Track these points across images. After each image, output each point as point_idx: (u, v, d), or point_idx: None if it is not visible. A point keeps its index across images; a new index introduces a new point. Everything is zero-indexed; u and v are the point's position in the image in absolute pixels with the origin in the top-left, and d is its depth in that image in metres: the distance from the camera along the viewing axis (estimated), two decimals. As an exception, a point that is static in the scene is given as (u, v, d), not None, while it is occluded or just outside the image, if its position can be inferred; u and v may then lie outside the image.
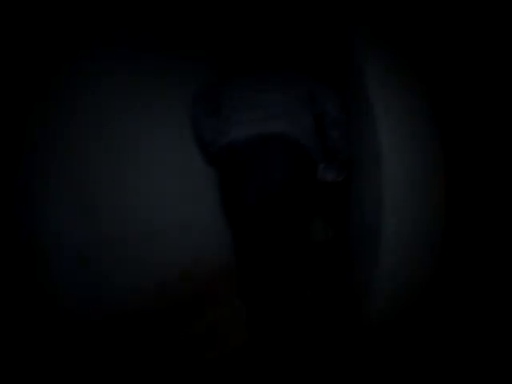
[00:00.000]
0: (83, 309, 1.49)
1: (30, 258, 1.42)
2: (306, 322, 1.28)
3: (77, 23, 1.49)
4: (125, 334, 1.44)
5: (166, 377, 1.27)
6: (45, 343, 1.34)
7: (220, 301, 1.56)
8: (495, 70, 1.12)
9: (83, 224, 1.55)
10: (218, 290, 1.64)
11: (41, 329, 1.37)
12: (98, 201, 1.60)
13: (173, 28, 1.67)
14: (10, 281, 1.35)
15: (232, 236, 1.32)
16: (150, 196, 1.70)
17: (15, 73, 1.39)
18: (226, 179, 1.22)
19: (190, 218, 1.81)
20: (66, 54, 1.48)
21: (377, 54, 1.17)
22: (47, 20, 1.42)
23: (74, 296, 1.49)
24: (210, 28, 1.73)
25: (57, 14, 1.44)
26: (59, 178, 1.51)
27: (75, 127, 1.54)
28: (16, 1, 1.32)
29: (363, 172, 1.31)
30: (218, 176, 1.28)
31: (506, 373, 0.94)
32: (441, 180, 1.17)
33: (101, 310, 1.49)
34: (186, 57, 1.71)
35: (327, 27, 1.48)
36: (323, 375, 1.16)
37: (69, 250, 1.52)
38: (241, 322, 1.33)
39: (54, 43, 1.45)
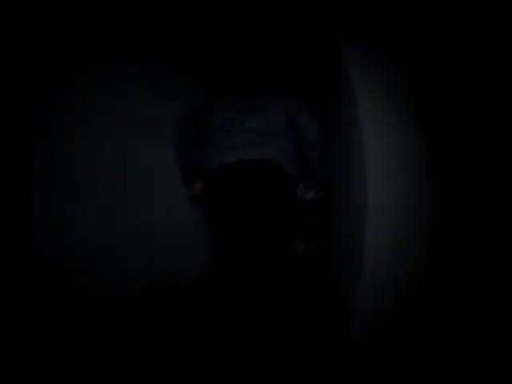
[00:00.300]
0: (84, 307, 1.51)
1: (30, 258, 1.42)
2: (287, 331, 1.36)
3: (78, 28, 1.50)
4: (124, 333, 1.47)
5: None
6: (44, 342, 1.35)
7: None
8: (481, 69, 1.15)
9: (83, 226, 1.57)
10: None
11: (41, 327, 1.38)
12: (99, 206, 1.61)
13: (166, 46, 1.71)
14: (11, 280, 1.35)
15: (213, 245, 1.42)
16: (150, 201, 1.73)
17: (16, 74, 1.39)
18: (213, 195, 1.32)
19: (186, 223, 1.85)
20: (67, 55, 1.49)
21: (362, 54, 1.21)
22: (49, 23, 1.42)
23: (74, 295, 1.50)
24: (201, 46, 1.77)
25: (60, 18, 1.44)
26: (58, 183, 1.52)
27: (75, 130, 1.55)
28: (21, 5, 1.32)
29: (345, 176, 1.34)
30: (205, 193, 1.37)
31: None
32: (428, 184, 1.17)
33: (101, 308, 1.52)
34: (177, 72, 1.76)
35: (312, 31, 1.54)
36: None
37: (69, 251, 1.53)
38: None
39: (57, 46, 1.46)
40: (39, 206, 1.46)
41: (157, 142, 1.75)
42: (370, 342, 1.16)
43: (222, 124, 1.33)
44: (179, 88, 1.77)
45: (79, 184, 1.56)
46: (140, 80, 1.70)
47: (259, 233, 1.27)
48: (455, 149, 1.23)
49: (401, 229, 1.14)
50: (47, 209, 1.48)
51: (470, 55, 1.17)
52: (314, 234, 1.54)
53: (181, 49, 1.77)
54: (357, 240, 1.18)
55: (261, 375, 1.20)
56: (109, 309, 1.53)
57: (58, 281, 1.48)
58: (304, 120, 1.30)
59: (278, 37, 1.67)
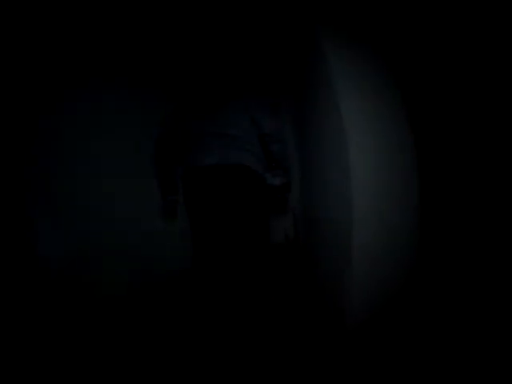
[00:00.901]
0: (84, 306, 1.51)
1: (30, 258, 1.43)
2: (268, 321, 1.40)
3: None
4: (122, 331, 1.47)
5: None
6: (45, 340, 1.36)
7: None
8: (473, 64, 1.10)
9: (83, 227, 1.57)
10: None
11: (42, 326, 1.38)
12: (98, 206, 1.63)
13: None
14: (11, 280, 1.36)
15: (192, 240, 1.45)
16: (150, 201, 1.70)
17: (17, 77, 1.41)
18: (194, 194, 1.41)
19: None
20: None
21: (345, 52, 1.18)
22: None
23: (74, 295, 1.51)
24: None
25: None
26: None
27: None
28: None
29: (330, 175, 1.33)
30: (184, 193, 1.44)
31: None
32: (414, 182, 1.15)
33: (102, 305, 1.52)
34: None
35: (290, 29, 1.54)
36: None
37: (69, 251, 1.54)
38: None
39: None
40: (39, 205, 1.47)
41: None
42: (363, 336, 1.16)
43: (192, 132, 1.41)
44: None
45: (79, 184, 1.57)
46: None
47: (238, 229, 1.39)
48: (443, 146, 1.22)
49: (388, 228, 1.14)
50: (47, 209, 1.49)
51: (460, 49, 1.15)
52: (284, 206, 1.63)
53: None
54: (345, 239, 1.17)
55: (256, 372, 1.20)
56: (108, 308, 1.53)
57: (58, 281, 1.49)
58: (267, 122, 1.40)
59: (251, 30, 1.68)
